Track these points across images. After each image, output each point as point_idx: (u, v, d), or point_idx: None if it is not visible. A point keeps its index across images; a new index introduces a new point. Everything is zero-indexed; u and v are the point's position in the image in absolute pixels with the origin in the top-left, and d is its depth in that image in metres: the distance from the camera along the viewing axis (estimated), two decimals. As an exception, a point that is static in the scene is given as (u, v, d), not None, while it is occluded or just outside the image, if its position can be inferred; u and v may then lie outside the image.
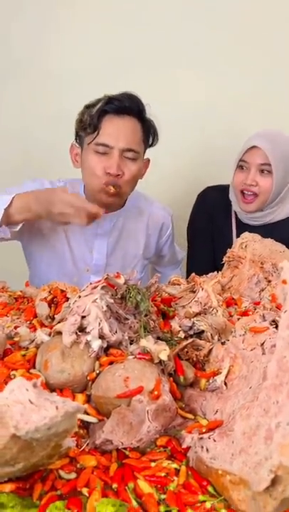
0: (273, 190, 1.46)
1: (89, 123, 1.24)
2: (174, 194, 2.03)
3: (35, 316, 1.03)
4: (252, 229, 1.43)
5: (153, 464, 0.66)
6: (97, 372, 0.76)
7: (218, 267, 1.59)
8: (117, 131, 1.25)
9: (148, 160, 1.40)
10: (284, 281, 0.65)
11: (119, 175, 1.27)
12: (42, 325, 0.99)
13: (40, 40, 2.02)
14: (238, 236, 1.52)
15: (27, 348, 0.87)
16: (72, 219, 1.16)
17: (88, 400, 0.76)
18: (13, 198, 1.17)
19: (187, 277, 1.20)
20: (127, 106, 1.24)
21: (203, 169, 2.06)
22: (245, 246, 1.22)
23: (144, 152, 1.35)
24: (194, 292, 1.07)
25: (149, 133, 1.33)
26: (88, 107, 1.28)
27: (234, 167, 1.52)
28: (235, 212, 1.61)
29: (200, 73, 1.98)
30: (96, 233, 1.43)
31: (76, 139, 1.35)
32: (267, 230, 1.46)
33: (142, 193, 1.53)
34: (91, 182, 1.31)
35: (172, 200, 1.88)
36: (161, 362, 0.77)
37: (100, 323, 0.79)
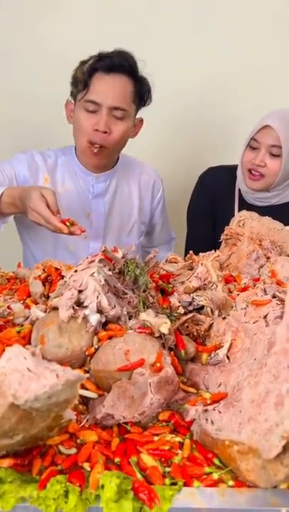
0: (281, 173, 1.43)
1: (80, 79, 1.26)
2: (172, 172, 2.00)
3: (29, 295, 1.00)
4: (256, 210, 1.40)
5: (156, 438, 0.64)
6: (96, 347, 0.74)
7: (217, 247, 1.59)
8: (105, 88, 1.26)
9: (141, 120, 1.40)
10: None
11: (106, 132, 1.28)
12: (36, 304, 0.96)
13: (28, 20, 1.95)
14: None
15: (22, 325, 0.84)
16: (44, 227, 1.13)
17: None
18: (2, 192, 1.19)
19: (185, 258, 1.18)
20: (118, 63, 1.25)
21: (202, 145, 2.06)
22: (243, 224, 1.20)
23: (137, 111, 1.36)
24: (192, 270, 1.06)
25: (141, 92, 1.33)
26: (82, 63, 1.28)
27: (245, 145, 1.48)
28: (240, 194, 1.58)
29: (199, 40, 1.96)
30: (91, 195, 1.44)
31: (71, 95, 1.36)
32: (271, 212, 1.43)
33: (132, 156, 1.55)
34: (78, 138, 1.34)
35: (169, 178, 1.85)
36: (161, 336, 0.75)
37: (98, 297, 0.77)
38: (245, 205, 1.55)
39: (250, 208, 1.49)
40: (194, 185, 1.68)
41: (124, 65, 1.26)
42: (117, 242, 1.49)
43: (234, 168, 1.59)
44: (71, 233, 1.08)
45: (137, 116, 1.39)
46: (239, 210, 1.55)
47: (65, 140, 1.48)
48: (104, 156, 1.36)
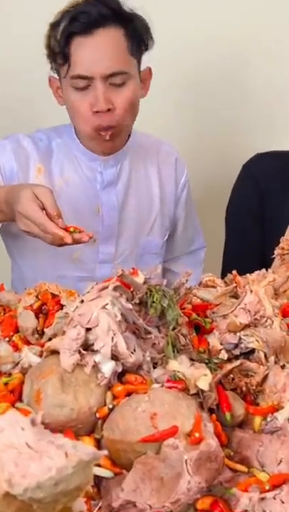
0: None
1: (56, 51, 1.27)
2: (194, 157, 2.01)
3: (17, 330, 1.01)
4: None
5: (194, 536, 0.63)
6: (110, 406, 0.74)
7: (268, 261, 1.58)
8: (91, 55, 1.27)
9: (149, 69, 1.42)
10: None
11: (109, 109, 1.30)
12: (26, 342, 0.97)
13: None
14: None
15: (9, 374, 0.84)
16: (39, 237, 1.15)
17: (98, 445, 0.73)
18: None
19: (222, 277, 1.17)
20: (97, 15, 1.25)
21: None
22: (305, 234, 1.19)
23: (140, 62, 1.38)
24: (237, 297, 1.05)
25: (137, 35, 1.33)
26: (54, 26, 1.29)
27: None
28: None
29: None
30: (100, 185, 1.47)
31: (52, 69, 1.38)
32: None
33: (142, 132, 1.57)
34: (79, 125, 1.38)
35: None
36: (199, 393, 0.75)
37: (112, 338, 0.77)
38: None
39: None
40: (234, 178, 1.67)
41: (107, 14, 1.26)
42: (134, 244, 1.53)
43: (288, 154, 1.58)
44: (76, 242, 1.09)
45: (142, 67, 1.41)
46: None
47: (55, 118, 1.50)
48: (116, 137, 1.39)
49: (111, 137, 1.36)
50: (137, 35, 1.33)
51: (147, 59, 1.40)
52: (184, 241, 1.71)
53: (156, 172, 1.57)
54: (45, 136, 1.47)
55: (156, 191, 1.57)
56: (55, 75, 1.38)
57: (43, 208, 1.10)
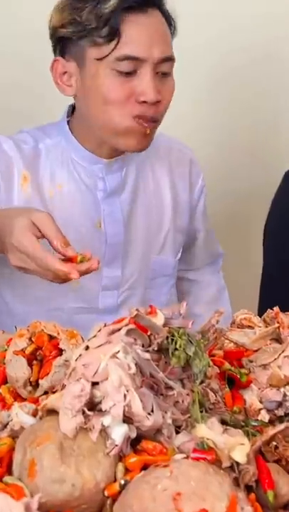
0: None
1: (96, 26, 1.30)
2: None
3: (5, 380, 1.02)
4: None
5: None
6: (122, 482, 0.74)
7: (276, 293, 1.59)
8: (147, 35, 1.33)
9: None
10: None
11: (158, 101, 1.35)
12: (16, 396, 0.98)
13: None
14: None
15: (-3, 438, 0.85)
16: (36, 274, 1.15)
17: (107, 532, 0.73)
18: None
19: (260, 312, 1.17)
20: None
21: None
22: None
23: None
24: (280, 341, 1.05)
25: (171, 22, 1.43)
26: None
27: None
28: None
29: None
30: (102, 193, 1.50)
31: (59, 50, 1.41)
32: None
33: None
34: (114, 118, 1.37)
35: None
36: (234, 466, 0.74)
37: (125, 396, 0.77)
38: None
39: None
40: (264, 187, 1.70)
41: None
42: (144, 265, 1.56)
43: None
44: (85, 273, 1.09)
45: None
46: None
47: (44, 115, 1.57)
48: (153, 134, 1.44)
49: (151, 130, 1.40)
50: (170, 20, 1.42)
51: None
52: (206, 254, 1.77)
53: (167, 175, 1.62)
54: (30, 137, 1.49)
55: (168, 199, 1.62)
56: (61, 58, 1.41)
57: (42, 238, 1.11)
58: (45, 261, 1.07)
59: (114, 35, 1.30)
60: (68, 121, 1.49)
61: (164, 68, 1.36)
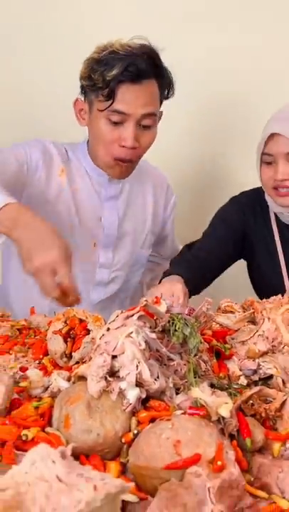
0: None
1: (101, 86, 1.32)
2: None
3: (46, 353, 1.01)
4: None
5: None
6: (135, 432, 0.73)
7: (260, 287, 1.58)
8: (134, 98, 1.34)
9: (161, 113, 1.48)
10: None
11: (135, 148, 1.38)
12: (55, 365, 0.97)
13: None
14: (282, 243, 1.55)
15: (40, 398, 0.83)
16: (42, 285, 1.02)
17: (124, 470, 0.71)
18: (4, 205, 1.08)
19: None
20: (146, 69, 1.32)
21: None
22: None
23: (160, 108, 1.46)
24: (254, 323, 1.03)
25: (166, 88, 1.43)
26: (99, 62, 1.33)
27: (258, 163, 1.49)
28: (277, 217, 1.58)
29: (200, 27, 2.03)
30: (104, 197, 1.54)
31: (82, 92, 1.43)
32: None
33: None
34: (100, 152, 1.43)
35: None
36: (220, 419, 0.73)
37: (137, 366, 0.76)
38: (284, 228, 1.58)
39: None
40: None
41: (152, 69, 1.34)
42: (130, 254, 1.61)
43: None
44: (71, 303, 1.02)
45: None
46: (280, 234, 1.58)
47: (64, 135, 1.57)
48: (131, 170, 1.48)
49: (125, 168, 1.44)
50: (166, 87, 1.41)
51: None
52: (171, 250, 1.80)
53: (152, 195, 1.65)
54: (63, 147, 1.54)
55: (150, 210, 1.65)
56: (82, 99, 1.44)
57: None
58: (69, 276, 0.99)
59: (111, 95, 1.32)
60: (88, 145, 1.52)
61: (145, 122, 1.37)
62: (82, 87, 1.42)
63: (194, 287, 1.27)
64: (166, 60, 1.39)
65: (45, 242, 1.01)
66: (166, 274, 1.30)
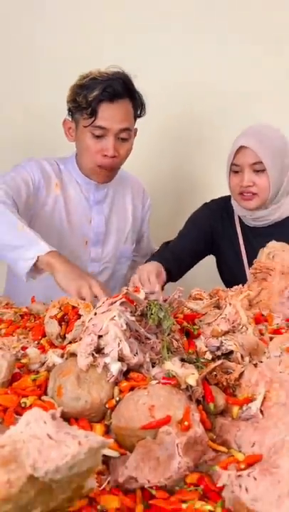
0: (271, 187, 1.46)
1: (85, 107, 1.38)
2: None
3: (44, 335, 1.01)
4: (259, 232, 1.52)
5: (184, 506, 0.61)
6: (117, 399, 0.73)
7: (226, 278, 1.61)
8: (112, 115, 1.40)
9: (136, 129, 1.53)
10: None
11: (115, 156, 1.43)
12: (52, 345, 0.97)
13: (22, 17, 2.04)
14: (244, 242, 1.57)
15: (37, 372, 0.84)
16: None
17: (107, 430, 0.72)
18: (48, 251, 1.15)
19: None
20: (121, 91, 1.39)
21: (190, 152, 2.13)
22: (273, 256, 1.19)
23: (134, 125, 1.51)
24: (219, 308, 1.05)
25: (138, 108, 1.49)
26: (82, 87, 1.39)
27: (227, 172, 1.53)
28: (240, 220, 1.60)
29: (185, 42, 2.04)
30: (92, 202, 1.58)
31: (69, 113, 1.49)
32: (276, 231, 1.49)
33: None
34: (86, 160, 1.48)
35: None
36: (188, 387, 0.74)
37: (119, 344, 0.76)
38: (247, 230, 1.59)
39: (254, 230, 1.57)
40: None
41: (127, 91, 1.41)
42: (115, 248, 1.65)
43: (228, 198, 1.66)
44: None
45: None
46: (243, 235, 1.60)
47: (55, 151, 1.62)
48: (112, 175, 1.53)
49: (107, 174, 1.49)
50: (138, 107, 1.47)
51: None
52: (146, 249, 1.82)
53: (130, 198, 1.69)
54: (54, 161, 1.57)
55: (130, 212, 1.69)
56: (70, 119, 1.48)
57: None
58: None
59: (93, 114, 1.38)
60: (76, 158, 1.55)
61: (122, 135, 1.42)
62: (69, 109, 1.47)
63: (170, 275, 1.32)
64: (142, 81, 1.43)
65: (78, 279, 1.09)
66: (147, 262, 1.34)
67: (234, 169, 1.50)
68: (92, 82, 1.38)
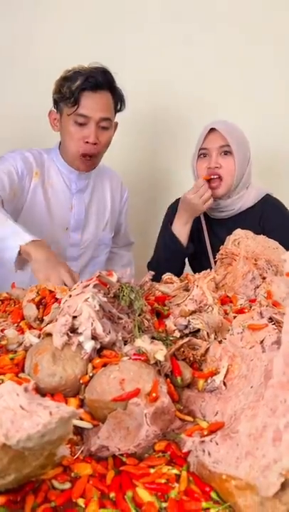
0: (236, 170, 1.50)
1: (69, 97, 1.39)
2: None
3: (23, 318, 0.99)
4: (221, 223, 1.55)
5: (152, 471, 0.62)
6: (90, 375, 0.73)
7: (194, 267, 1.64)
8: (94, 104, 1.42)
9: (116, 123, 1.55)
10: (287, 274, 0.63)
11: (96, 143, 1.45)
12: (30, 327, 0.96)
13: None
14: (209, 233, 1.60)
15: (15, 352, 0.83)
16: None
17: (82, 404, 0.72)
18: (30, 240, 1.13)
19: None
20: (102, 82, 1.41)
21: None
22: (238, 243, 1.20)
23: (114, 117, 1.52)
24: (188, 290, 1.05)
25: (118, 101, 1.50)
26: (66, 79, 1.42)
27: (194, 158, 1.55)
28: (205, 213, 1.63)
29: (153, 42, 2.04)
30: (74, 190, 1.59)
31: (54, 105, 1.50)
32: (239, 220, 1.52)
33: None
34: (70, 148, 1.49)
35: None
36: (157, 362, 0.74)
37: (92, 324, 0.76)
38: (211, 220, 1.62)
39: (217, 222, 1.59)
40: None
41: (107, 83, 1.43)
42: (94, 235, 1.66)
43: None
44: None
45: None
46: (207, 226, 1.63)
47: (41, 143, 1.61)
48: (94, 163, 1.54)
49: (90, 161, 1.50)
50: (117, 100, 1.48)
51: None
52: (124, 239, 1.85)
53: (109, 189, 1.70)
54: (37, 152, 1.56)
55: (109, 201, 1.70)
56: (55, 110, 1.49)
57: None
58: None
59: (76, 103, 1.39)
60: (59, 147, 1.55)
61: (103, 124, 1.44)
62: (55, 101, 1.47)
63: None
64: (121, 78, 1.44)
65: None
66: None
67: (202, 152, 1.52)
68: (75, 74, 1.41)
